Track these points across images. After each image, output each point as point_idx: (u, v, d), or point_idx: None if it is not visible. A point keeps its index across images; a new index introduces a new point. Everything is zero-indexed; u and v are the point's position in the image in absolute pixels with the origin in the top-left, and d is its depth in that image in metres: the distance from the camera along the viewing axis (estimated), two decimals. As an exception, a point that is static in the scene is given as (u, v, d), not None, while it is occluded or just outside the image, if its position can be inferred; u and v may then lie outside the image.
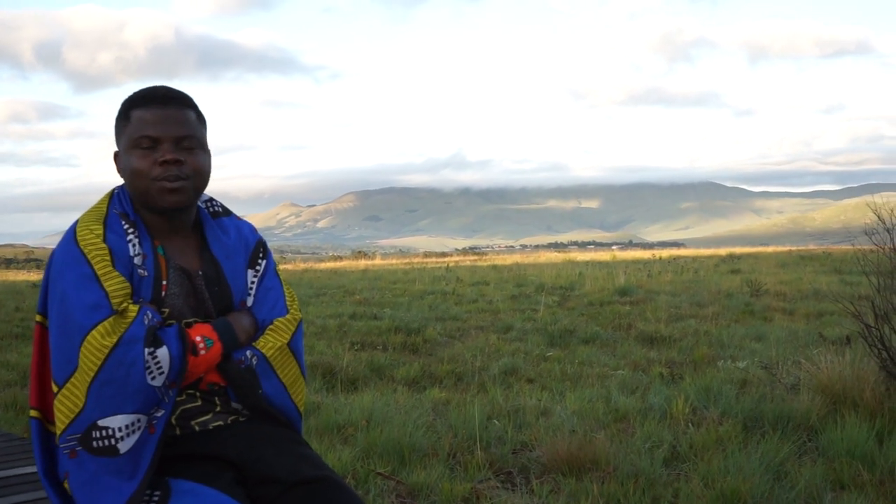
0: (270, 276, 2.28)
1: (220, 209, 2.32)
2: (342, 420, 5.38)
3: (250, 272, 2.26)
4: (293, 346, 2.21)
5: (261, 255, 2.30)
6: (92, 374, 1.88)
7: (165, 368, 1.94)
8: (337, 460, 4.45)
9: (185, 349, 1.99)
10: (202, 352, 2.03)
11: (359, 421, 5.28)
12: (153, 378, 1.92)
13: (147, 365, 1.91)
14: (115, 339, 1.89)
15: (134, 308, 1.96)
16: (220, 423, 2.13)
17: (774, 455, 4.40)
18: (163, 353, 1.93)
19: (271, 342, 2.17)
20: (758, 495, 3.84)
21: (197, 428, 2.09)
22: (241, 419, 2.16)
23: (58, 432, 1.93)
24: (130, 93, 2.14)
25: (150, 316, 1.98)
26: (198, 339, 2.04)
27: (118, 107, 2.14)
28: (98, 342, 1.88)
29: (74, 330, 1.90)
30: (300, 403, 2.25)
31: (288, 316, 2.24)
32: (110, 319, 1.91)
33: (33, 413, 2.08)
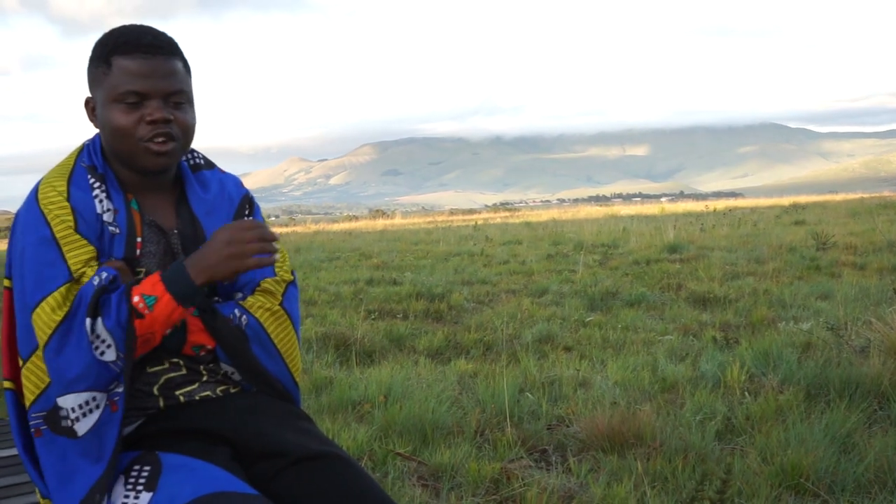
0: None
1: (202, 161, 2.31)
2: (357, 396, 5.41)
3: None
4: (287, 308, 2.22)
5: (247, 211, 2.30)
6: (43, 349, 1.90)
7: (110, 341, 1.92)
8: (352, 440, 4.49)
9: (127, 316, 1.94)
10: (144, 312, 1.96)
11: (376, 397, 5.31)
12: (101, 353, 1.91)
13: (91, 339, 1.90)
14: (63, 312, 1.89)
15: (90, 272, 1.95)
16: (209, 393, 2.14)
17: (841, 425, 4.38)
18: (99, 326, 1.91)
19: (260, 302, 2.18)
20: (822, 470, 3.83)
21: (182, 399, 2.11)
22: (232, 390, 2.18)
23: (26, 406, 1.96)
24: (107, 31, 2.09)
25: (102, 277, 1.94)
26: (136, 299, 1.96)
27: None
28: (48, 315, 1.89)
29: (29, 301, 1.92)
30: (296, 373, 2.26)
31: (276, 277, 2.24)
32: (62, 289, 1.91)
33: (7, 384, 2.09)
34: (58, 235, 1.95)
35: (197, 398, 2.13)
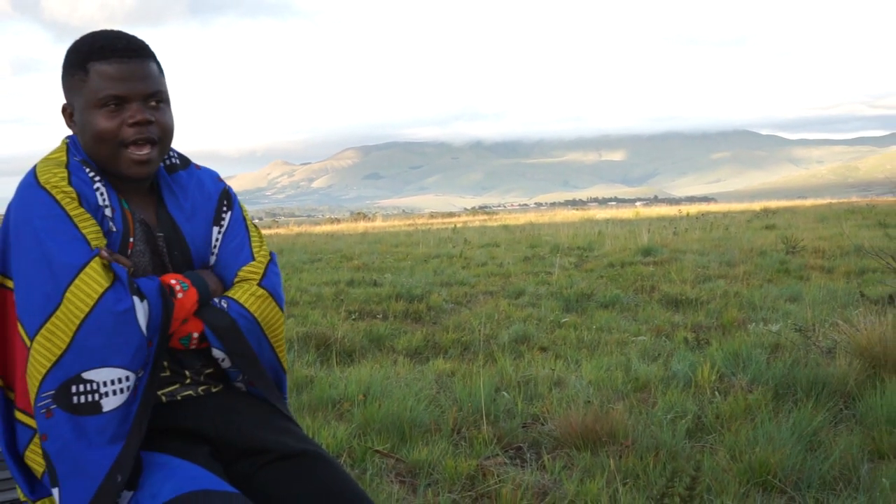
0: (235, 228, 2.28)
1: (178, 161, 2.30)
2: (337, 395, 5.41)
3: (215, 229, 2.26)
4: (267, 286, 2.21)
5: (225, 207, 2.30)
6: (79, 320, 1.86)
7: (143, 322, 1.93)
8: (332, 437, 4.48)
9: (167, 305, 2.00)
10: (179, 294, 2.04)
11: (355, 395, 5.31)
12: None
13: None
14: (107, 284, 1.89)
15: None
16: (190, 392, 2.14)
17: (807, 424, 4.42)
18: (144, 306, 1.94)
19: (237, 289, 2.18)
20: (788, 467, 3.86)
21: (164, 399, 2.10)
22: (213, 389, 2.18)
23: (33, 392, 1.89)
24: (79, 38, 2.10)
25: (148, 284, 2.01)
26: (173, 281, 2.06)
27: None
28: (90, 286, 1.87)
29: (59, 273, 1.87)
30: (280, 350, 2.25)
31: (254, 262, 2.24)
32: (98, 260, 1.91)
33: None
34: (71, 213, 1.94)
35: (178, 397, 2.12)
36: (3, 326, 2.04)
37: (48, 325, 1.87)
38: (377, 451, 4.34)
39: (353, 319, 9.00)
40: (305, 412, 5.13)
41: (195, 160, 2.34)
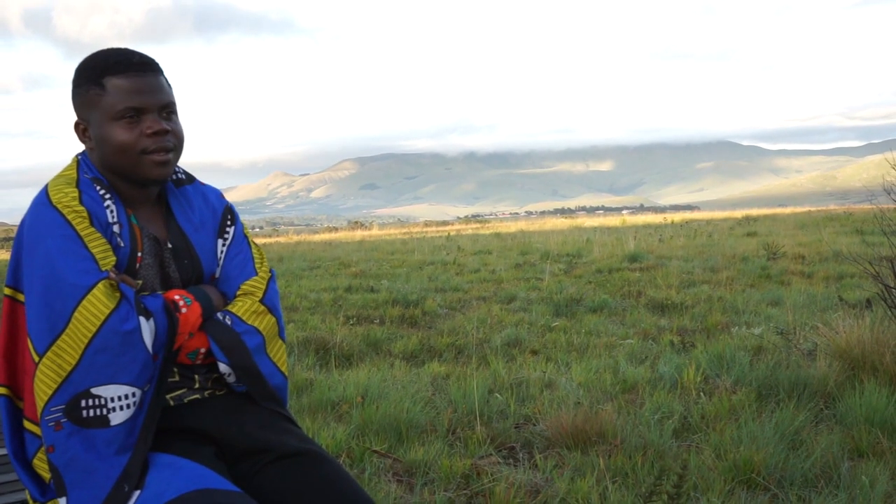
0: (238, 242, 2.30)
1: (184, 176, 2.31)
2: (336, 397, 5.40)
3: (219, 241, 2.27)
4: (268, 303, 2.23)
5: (229, 222, 2.31)
6: (87, 340, 1.87)
7: (149, 341, 1.94)
8: (331, 438, 4.47)
9: (172, 322, 2.01)
10: (183, 309, 2.05)
11: (354, 397, 5.30)
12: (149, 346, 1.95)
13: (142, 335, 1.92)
14: (113, 305, 1.89)
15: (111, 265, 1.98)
16: (197, 396, 2.14)
17: (789, 424, 4.41)
18: (150, 324, 1.95)
19: (240, 304, 2.19)
20: (772, 465, 3.86)
21: (171, 402, 2.10)
22: (218, 393, 2.18)
23: (40, 405, 1.90)
24: (88, 56, 2.10)
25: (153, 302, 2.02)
26: (177, 297, 2.07)
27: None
28: (96, 307, 1.88)
29: (67, 293, 1.88)
30: (281, 364, 2.25)
31: (257, 277, 2.26)
32: (105, 283, 1.91)
33: (1, 390, 2.06)
34: (81, 234, 1.95)
35: (186, 401, 2.12)
36: (16, 339, 2.04)
37: (58, 343, 1.88)
38: (375, 452, 4.33)
39: (352, 324, 8.98)
40: (306, 414, 5.11)
41: (199, 172, 2.36)
